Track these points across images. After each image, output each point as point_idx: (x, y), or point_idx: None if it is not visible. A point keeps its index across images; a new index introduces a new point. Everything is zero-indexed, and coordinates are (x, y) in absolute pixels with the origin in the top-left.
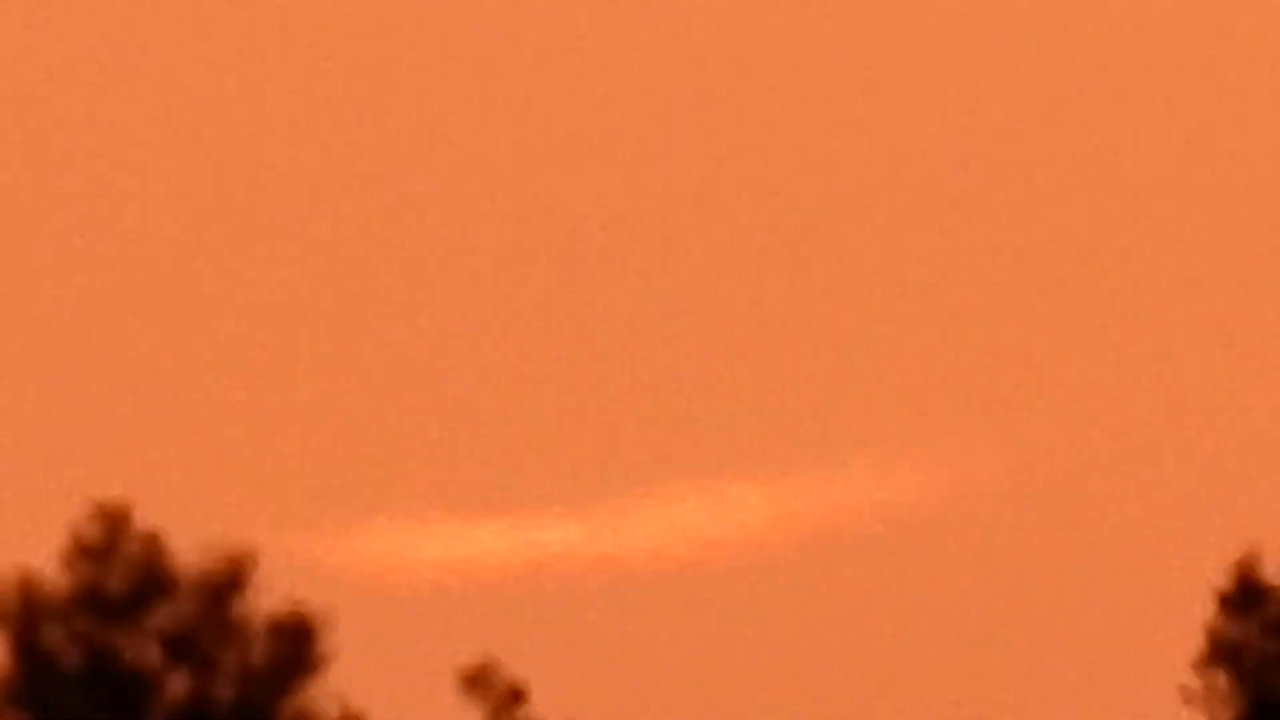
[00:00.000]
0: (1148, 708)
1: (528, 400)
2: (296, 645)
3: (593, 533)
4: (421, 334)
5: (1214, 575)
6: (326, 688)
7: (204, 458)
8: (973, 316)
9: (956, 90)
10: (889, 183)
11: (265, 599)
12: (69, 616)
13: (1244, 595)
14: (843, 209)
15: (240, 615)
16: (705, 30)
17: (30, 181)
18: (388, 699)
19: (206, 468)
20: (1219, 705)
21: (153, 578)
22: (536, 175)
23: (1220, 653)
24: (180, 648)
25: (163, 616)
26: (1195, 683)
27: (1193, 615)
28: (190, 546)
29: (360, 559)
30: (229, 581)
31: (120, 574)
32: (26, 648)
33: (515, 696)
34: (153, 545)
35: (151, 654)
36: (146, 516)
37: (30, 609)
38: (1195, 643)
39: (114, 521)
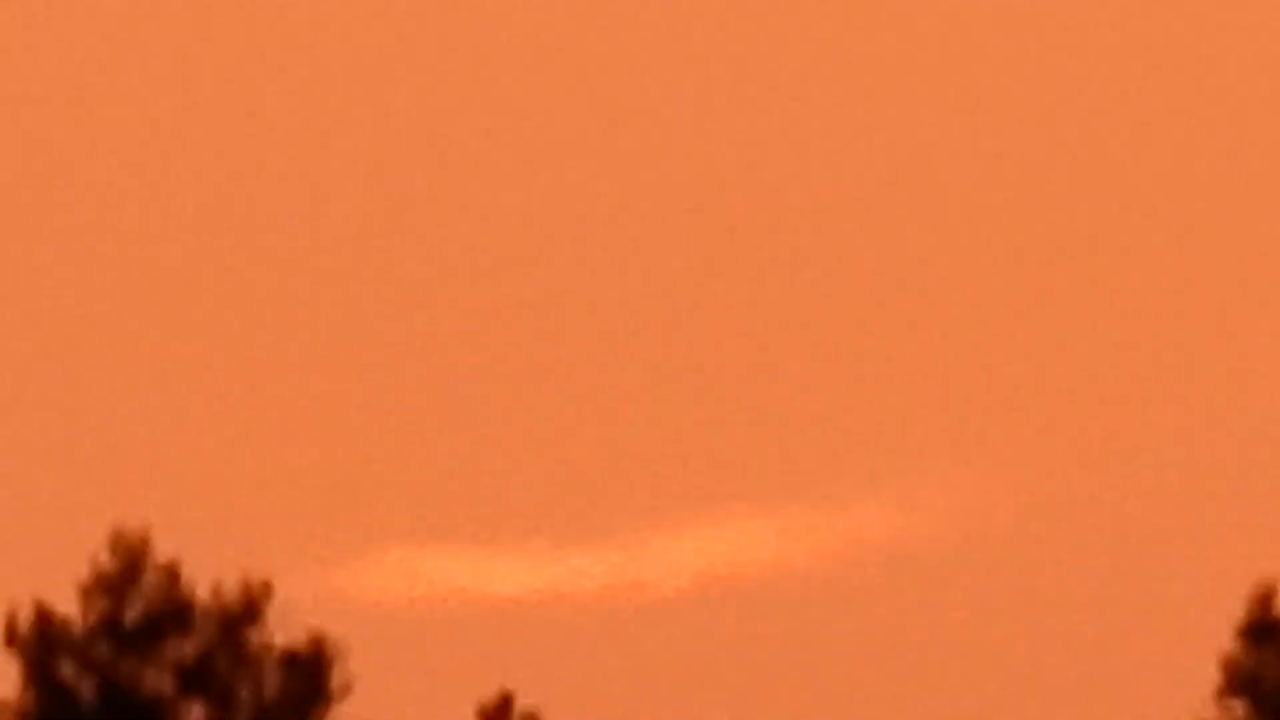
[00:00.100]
0: None
1: (546, 431)
2: (314, 675)
3: (610, 563)
4: (441, 363)
5: (1231, 606)
6: (344, 718)
7: (221, 488)
8: (989, 351)
9: (969, 115)
10: (912, 221)
11: (282, 629)
12: (86, 647)
13: (1261, 626)
14: (863, 248)
15: (257, 645)
16: (706, 38)
17: (50, 213)
18: None
19: (224, 498)
20: None
21: (170, 608)
22: (552, 203)
23: (1238, 683)
24: (198, 678)
25: (180, 647)
26: (1213, 714)
27: (1210, 646)
28: (208, 577)
29: (378, 589)
30: (246, 611)
31: (138, 604)
32: (43, 678)
33: None
34: (170, 575)
35: (169, 684)
36: (164, 547)
37: (47, 639)
38: (1212, 674)
39: (131, 552)
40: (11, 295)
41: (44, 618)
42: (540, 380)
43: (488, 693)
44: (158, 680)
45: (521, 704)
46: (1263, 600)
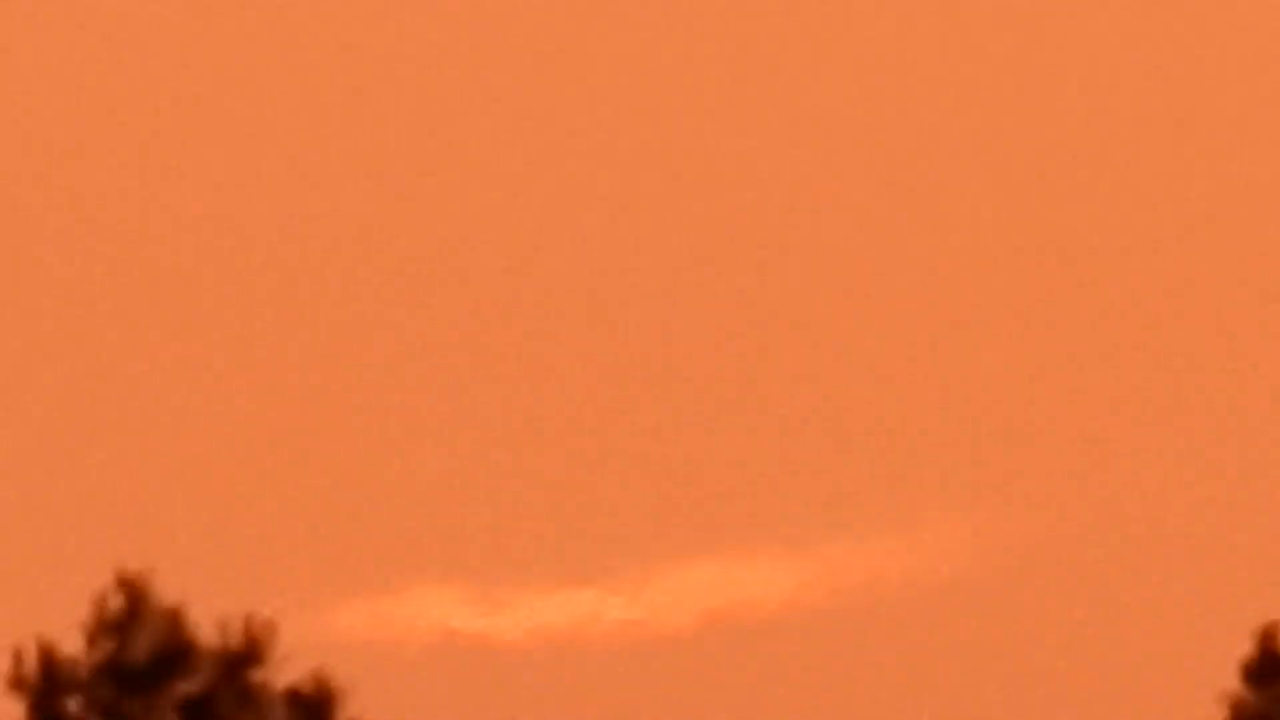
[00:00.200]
0: None
1: (547, 469)
2: (317, 716)
3: (615, 602)
4: (444, 404)
5: (1236, 645)
6: None
7: (225, 529)
8: (1001, 386)
9: (969, 138)
10: (925, 257)
11: (286, 669)
12: (90, 687)
13: (1266, 665)
14: (872, 283)
15: (261, 686)
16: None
17: (52, 253)
18: None
19: (228, 539)
20: None
21: (174, 649)
22: (558, 238)
23: None
24: (201, 718)
25: (184, 687)
26: None
27: (1214, 685)
28: (211, 617)
29: (382, 629)
30: (249, 652)
31: (141, 645)
32: (48, 718)
33: None
34: (174, 616)
35: None
36: (167, 588)
37: (52, 679)
38: (1217, 713)
39: (135, 593)
40: (13, 337)
41: (48, 658)
42: (546, 417)
43: None
44: None
45: None
46: (1267, 639)
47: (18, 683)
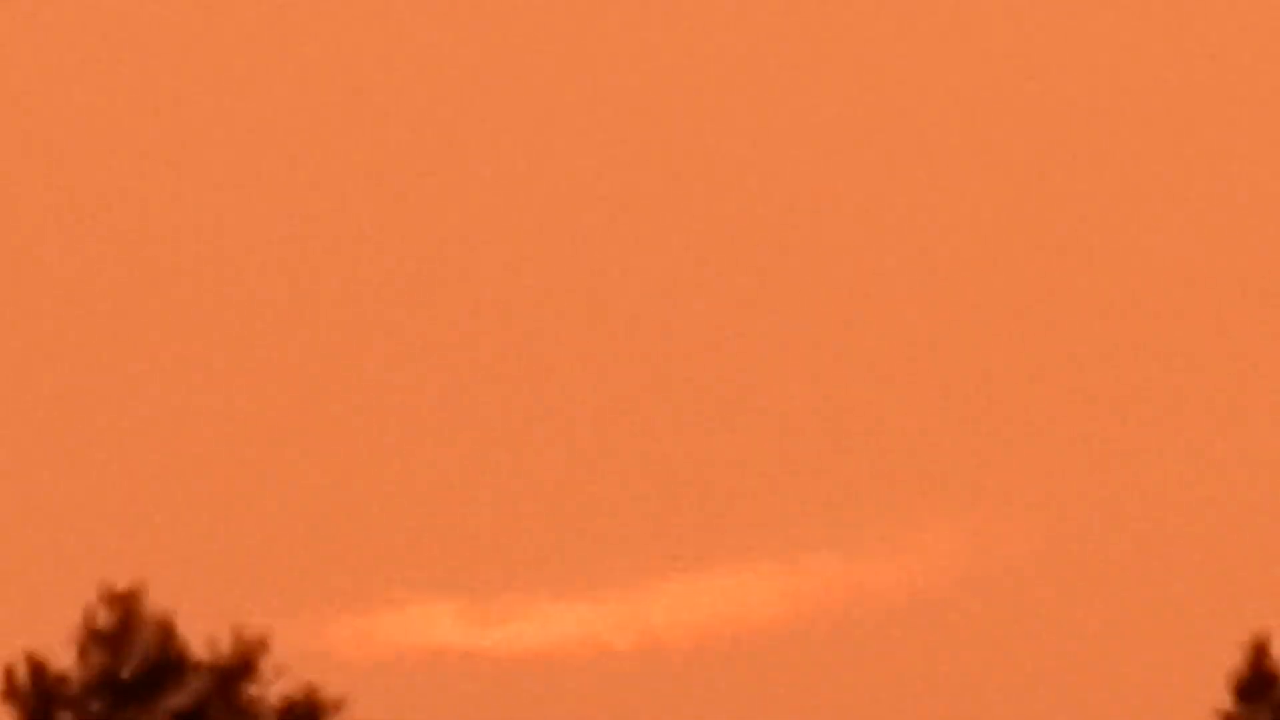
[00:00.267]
0: None
1: (542, 486)
2: None
3: (609, 618)
4: (439, 418)
5: (1226, 661)
6: None
7: (216, 542)
8: (997, 400)
9: (979, 169)
10: (925, 270)
11: (277, 683)
12: (82, 701)
13: (1256, 680)
14: (870, 298)
15: (252, 699)
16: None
17: (44, 262)
18: None
19: (218, 552)
20: None
21: (165, 662)
22: (555, 248)
23: None
24: None
25: (175, 700)
26: None
27: (1205, 700)
28: (202, 631)
29: (372, 643)
30: (241, 665)
31: (133, 658)
32: None
33: None
34: (165, 630)
35: None
36: (158, 601)
37: (43, 693)
38: None
39: (126, 606)
40: (5, 355)
41: (41, 672)
42: (541, 434)
43: None
44: None
45: None
46: (1257, 654)
47: (11, 696)
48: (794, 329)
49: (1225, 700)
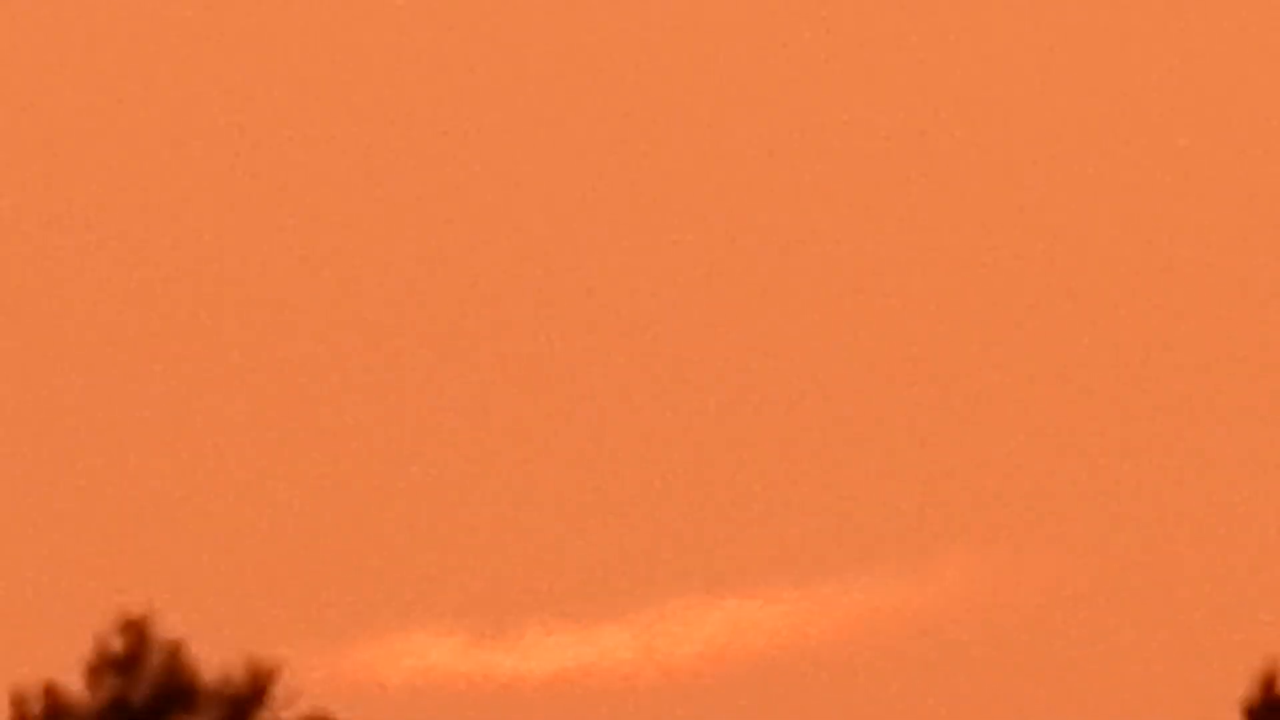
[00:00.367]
0: None
1: (549, 514)
2: None
3: (621, 641)
4: (448, 446)
5: (1237, 686)
6: None
7: (227, 570)
8: (1007, 432)
9: (986, 185)
10: (935, 299)
11: (287, 709)
12: None
13: (1266, 705)
14: (889, 322)
15: None
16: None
17: (52, 278)
18: None
19: (230, 580)
20: None
21: (176, 688)
22: (565, 270)
23: None
24: None
25: None
26: None
27: None
28: (213, 658)
29: (382, 669)
30: (251, 692)
31: (144, 684)
32: None
33: None
34: (176, 656)
35: None
36: (169, 628)
37: (55, 719)
38: None
39: (137, 633)
40: (15, 383)
41: (52, 698)
42: (542, 470)
43: None
44: None
45: None
46: (1268, 679)
47: None
48: (812, 356)
49: None
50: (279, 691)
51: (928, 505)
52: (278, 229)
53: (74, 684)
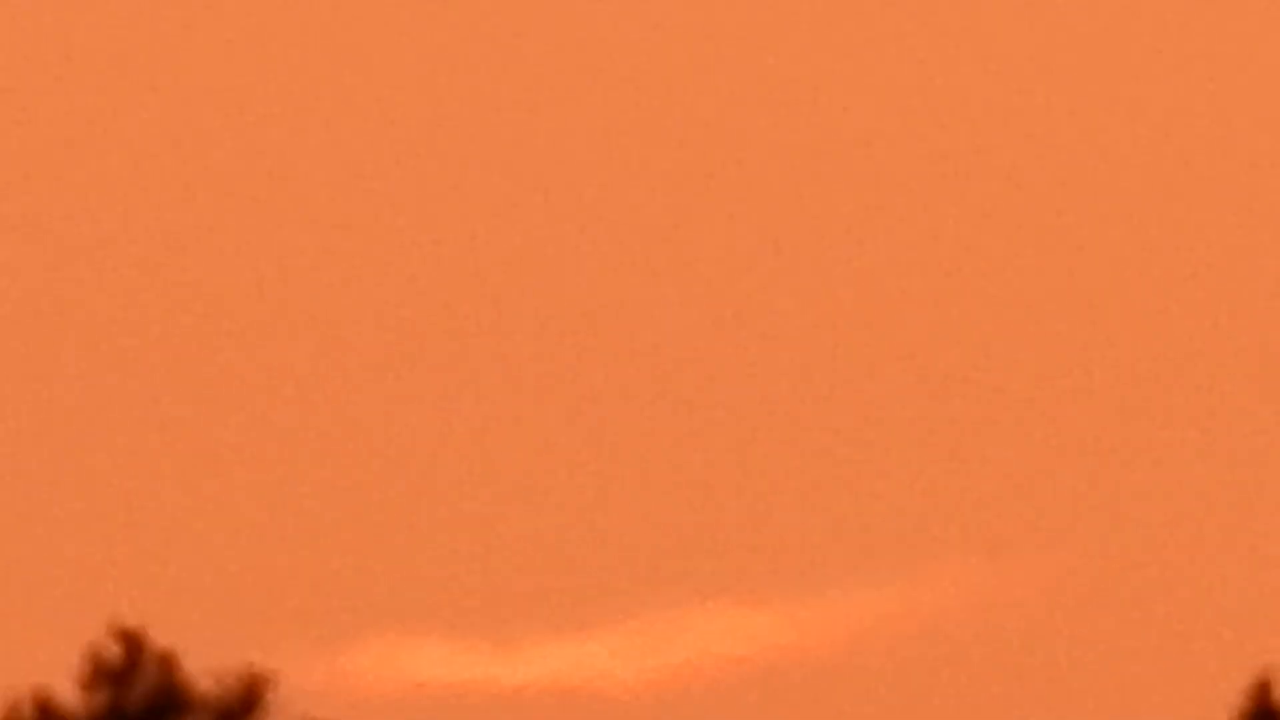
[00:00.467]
0: None
1: (543, 522)
2: None
3: (611, 652)
4: (439, 456)
5: (1232, 695)
6: None
7: (221, 578)
8: (999, 439)
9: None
10: (929, 308)
11: (281, 717)
12: None
13: (1260, 716)
14: (883, 328)
15: None
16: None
17: (46, 286)
18: None
19: (224, 588)
20: None
21: (169, 697)
22: (555, 293)
23: None
24: None
25: None
26: None
27: None
28: (207, 666)
29: (375, 678)
30: (246, 701)
31: (137, 693)
32: None
33: None
34: (169, 664)
35: None
36: (163, 636)
37: None
38: None
39: (131, 641)
40: (9, 391)
41: (44, 706)
42: (540, 464)
43: None
44: None
45: None
46: (1261, 691)
47: None
48: (805, 362)
49: None
50: (273, 700)
51: (921, 511)
52: (264, 231)
53: (67, 692)
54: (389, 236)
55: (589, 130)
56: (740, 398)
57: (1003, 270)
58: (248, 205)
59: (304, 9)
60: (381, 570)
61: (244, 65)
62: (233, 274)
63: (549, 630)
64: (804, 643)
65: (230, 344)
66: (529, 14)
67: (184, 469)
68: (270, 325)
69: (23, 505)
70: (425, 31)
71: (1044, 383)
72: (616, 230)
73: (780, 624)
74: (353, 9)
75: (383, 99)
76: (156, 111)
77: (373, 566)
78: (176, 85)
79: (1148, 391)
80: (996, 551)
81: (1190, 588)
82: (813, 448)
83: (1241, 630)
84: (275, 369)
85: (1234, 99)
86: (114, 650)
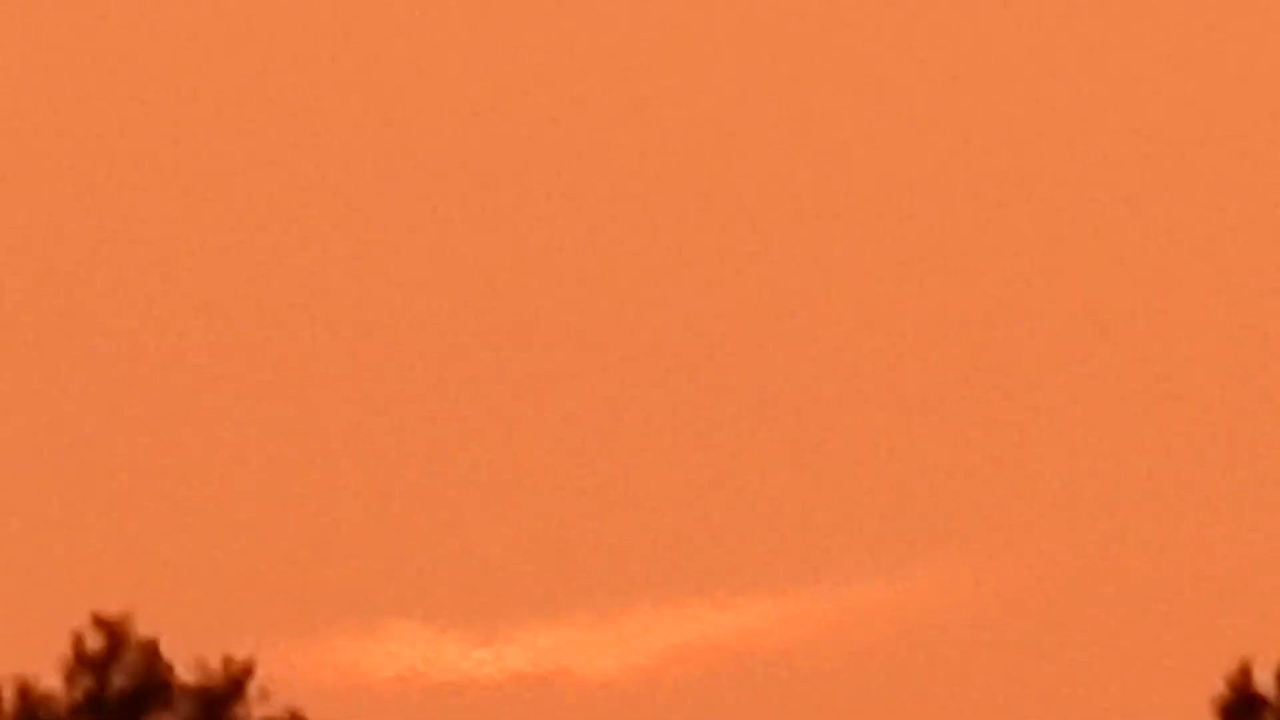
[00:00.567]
0: None
1: (530, 514)
2: None
3: (596, 644)
4: (427, 447)
5: (1212, 685)
6: None
7: (203, 568)
8: (998, 437)
9: (989, 194)
10: (924, 307)
11: (262, 705)
12: None
13: (1241, 704)
14: (879, 329)
15: None
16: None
17: (39, 286)
18: None
19: (206, 578)
20: None
21: (152, 686)
22: (558, 285)
23: None
24: None
25: None
26: None
27: None
28: (189, 655)
29: (358, 667)
30: (227, 689)
31: (120, 681)
32: None
33: None
34: (152, 653)
35: None
36: (146, 625)
37: (30, 716)
38: None
39: (114, 630)
40: None
41: (28, 695)
42: (526, 459)
43: None
44: None
45: None
46: (1242, 679)
47: None
48: (797, 361)
49: None
50: (254, 688)
51: (908, 509)
52: (264, 227)
53: (51, 681)
54: (385, 231)
55: (589, 130)
56: (727, 393)
57: (992, 272)
58: (248, 205)
59: (304, 9)
60: (362, 561)
61: (244, 65)
62: (222, 270)
63: (533, 621)
64: (791, 637)
65: (216, 341)
66: (529, 14)
67: (166, 462)
68: (254, 322)
69: (5, 497)
70: (425, 31)
71: (1029, 384)
72: (606, 225)
73: (766, 619)
74: (353, 9)
75: (383, 99)
76: (157, 111)
77: (353, 557)
78: (177, 85)
79: (1131, 392)
80: (981, 549)
81: (1172, 581)
82: (798, 443)
83: (1221, 622)
84: (256, 364)
85: (1234, 99)
86: (96, 639)
